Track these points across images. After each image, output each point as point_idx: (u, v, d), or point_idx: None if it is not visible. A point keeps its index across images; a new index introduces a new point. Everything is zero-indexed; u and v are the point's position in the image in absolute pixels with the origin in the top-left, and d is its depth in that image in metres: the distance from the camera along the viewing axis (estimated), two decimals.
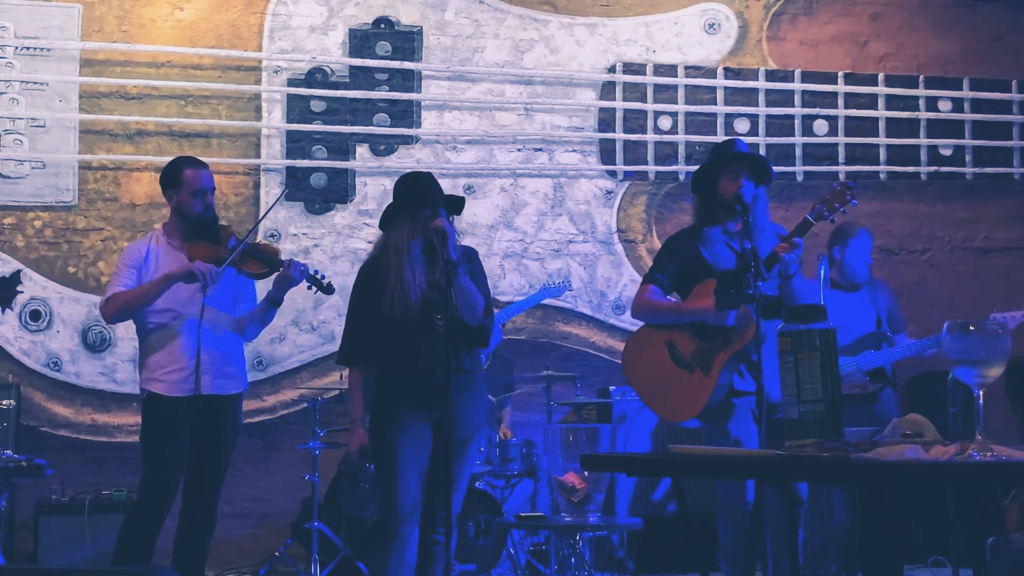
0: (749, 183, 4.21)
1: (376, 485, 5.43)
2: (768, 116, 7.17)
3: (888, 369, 5.31)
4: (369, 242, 6.28)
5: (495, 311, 4.61)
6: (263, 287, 4.64)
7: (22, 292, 6.39)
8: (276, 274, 4.49)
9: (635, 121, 7.06)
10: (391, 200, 4.05)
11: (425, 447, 3.94)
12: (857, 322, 5.24)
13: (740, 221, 4.20)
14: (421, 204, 3.93)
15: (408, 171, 4.30)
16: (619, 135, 7.03)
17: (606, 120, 7.04)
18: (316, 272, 4.56)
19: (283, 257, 4.57)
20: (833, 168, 7.20)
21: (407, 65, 6.88)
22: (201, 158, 4.75)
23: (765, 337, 3.90)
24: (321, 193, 6.75)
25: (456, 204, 4.04)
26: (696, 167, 4.44)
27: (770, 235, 4.25)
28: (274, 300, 4.51)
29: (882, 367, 5.26)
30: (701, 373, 4.19)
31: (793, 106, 7.20)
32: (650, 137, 7.05)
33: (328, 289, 4.56)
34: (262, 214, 6.35)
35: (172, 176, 4.53)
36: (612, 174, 7.03)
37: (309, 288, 4.58)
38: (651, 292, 4.34)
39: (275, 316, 4.62)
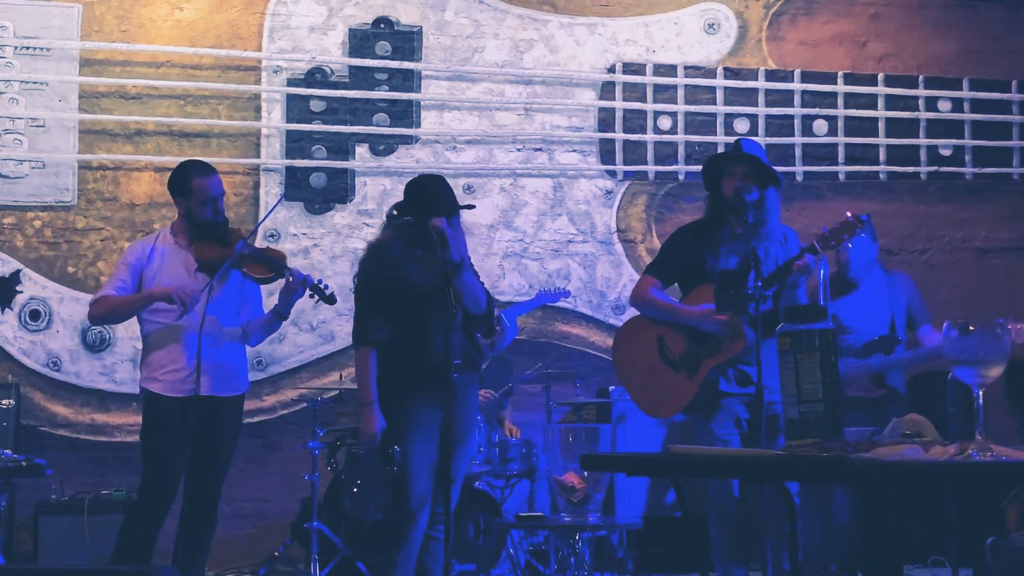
0: (754, 189, 4.20)
1: (382, 482, 5.42)
2: (768, 116, 7.16)
3: (900, 384, 5.21)
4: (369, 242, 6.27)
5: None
6: (269, 297, 4.67)
7: (22, 292, 6.39)
8: (281, 288, 4.51)
9: (635, 121, 7.06)
10: (392, 200, 4.10)
11: (433, 443, 3.98)
12: (868, 325, 5.18)
13: (743, 221, 4.20)
14: (429, 212, 3.95)
15: (417, 173, 4.33)
16: (619, 135, 7.03)
17: (606, 120, 7.04)
18: (319, 282, 4.58)
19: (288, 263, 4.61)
20: (833, 168, 7.20)
21: (407, 65, 6.88)
22: (201, 158, 4.77)
23: (751, 350, 3.93)
24: (321, 193, 6.75)
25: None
26: (697, 167, 4.45)
27: (778, 237, 4.26)
28: (280, 313, 4.55)
29: (882, 375, 5.21)
30: (686, 375, 4.21)
31: (793, 106, 7.19)
32: (650, 137, 7.05)
33: (330, 299, 4.57)
34: (263, 217, 6.34)
35: (181, 184, 4.53)
36: (612, 174, 7.02)
37: (311, 297, 4.60)
38: (651, 285, 4.36)
39: (280, 327, 4.68)
